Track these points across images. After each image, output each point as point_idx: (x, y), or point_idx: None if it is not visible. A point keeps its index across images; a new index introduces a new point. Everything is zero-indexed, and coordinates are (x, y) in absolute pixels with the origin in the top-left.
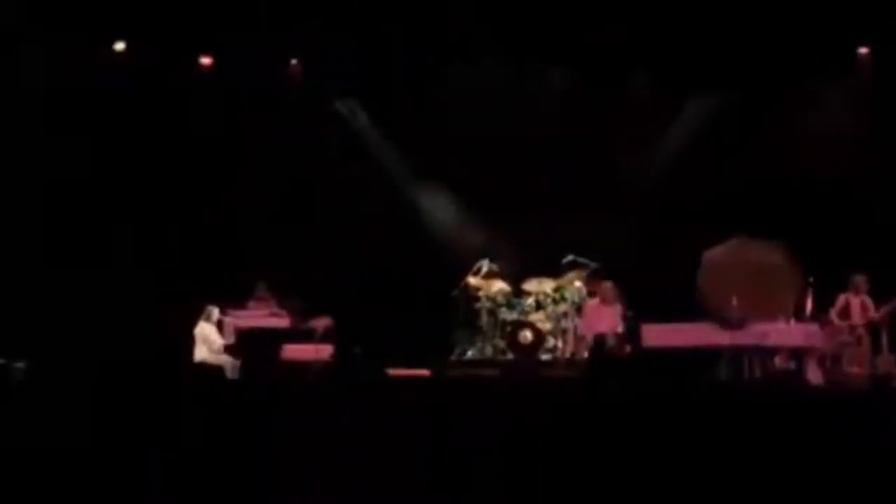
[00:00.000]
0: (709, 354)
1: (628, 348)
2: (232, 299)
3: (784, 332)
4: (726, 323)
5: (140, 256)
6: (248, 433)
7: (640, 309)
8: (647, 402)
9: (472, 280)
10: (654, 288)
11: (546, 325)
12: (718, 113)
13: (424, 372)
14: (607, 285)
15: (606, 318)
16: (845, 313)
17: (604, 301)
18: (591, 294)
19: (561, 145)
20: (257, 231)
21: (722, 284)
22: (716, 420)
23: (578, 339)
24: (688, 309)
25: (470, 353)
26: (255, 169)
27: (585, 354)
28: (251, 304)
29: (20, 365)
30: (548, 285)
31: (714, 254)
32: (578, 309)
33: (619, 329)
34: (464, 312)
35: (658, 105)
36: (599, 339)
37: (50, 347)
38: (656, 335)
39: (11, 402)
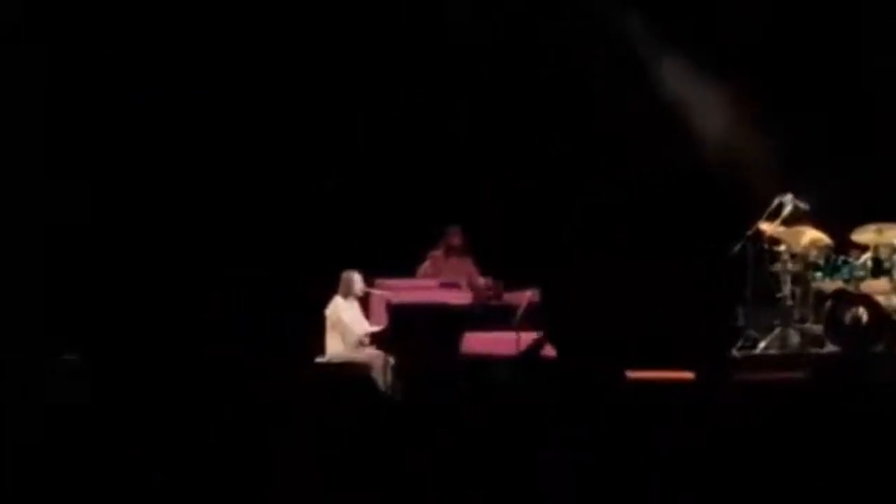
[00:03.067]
0: None
1: None
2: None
3: None
4: None
5: None
6: (404, 467)
7: None
8: None
9: (767, 227)
10: None
11: (892, 299)
12: None
13: (687, 375)
14: None
15: None
16: None
17: None
18: None
19: None
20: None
21: None
22: None
23: None
24: None
25: (763, 345)
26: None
27: None
28: (429, 263)
29: (72, 357)
30: (894, 234)
31: None
32: None
33: None
34: (753, 279)
35: None
36: None
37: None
38: None
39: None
